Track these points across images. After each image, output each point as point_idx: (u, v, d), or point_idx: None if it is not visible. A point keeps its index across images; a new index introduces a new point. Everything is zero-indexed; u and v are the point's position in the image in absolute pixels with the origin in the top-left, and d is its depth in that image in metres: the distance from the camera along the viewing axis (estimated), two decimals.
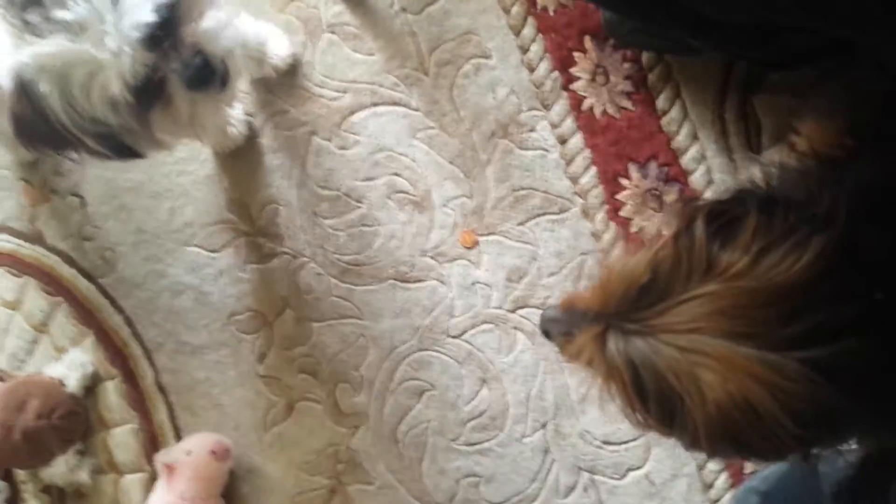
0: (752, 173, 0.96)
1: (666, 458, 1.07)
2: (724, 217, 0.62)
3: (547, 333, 0.73)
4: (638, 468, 1.08)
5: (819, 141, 0.84)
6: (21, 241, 1.31)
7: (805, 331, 0.55)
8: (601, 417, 1.08)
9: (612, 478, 1.09)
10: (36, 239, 1.31)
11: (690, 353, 0.57)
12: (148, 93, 0.79)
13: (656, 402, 0.60)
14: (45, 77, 0.74)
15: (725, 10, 0.70)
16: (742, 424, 0.56)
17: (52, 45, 0.73)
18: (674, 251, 0.60)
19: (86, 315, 1.29)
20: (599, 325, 0.63)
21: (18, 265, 1.31)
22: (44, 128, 0.78)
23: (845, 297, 0.57)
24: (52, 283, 1.29)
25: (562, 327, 0.69)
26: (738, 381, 0.55)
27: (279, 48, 1.15)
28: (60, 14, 0.72)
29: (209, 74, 0.83)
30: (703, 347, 0.57)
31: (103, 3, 0.72)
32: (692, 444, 0.60)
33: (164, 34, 0.77)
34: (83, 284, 1.29)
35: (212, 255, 1.23)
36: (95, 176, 1.28)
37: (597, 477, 1.09)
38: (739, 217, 0.61)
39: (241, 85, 1.15)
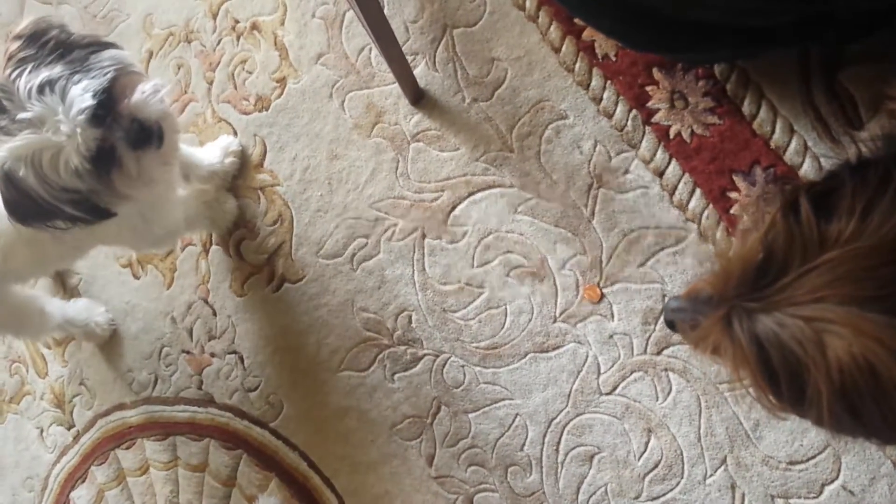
0: (858, 149, 0.93)
1: (858, 463, 0.98)
2: (823, 191, 0.61)
3: (671, 324, 0.73)
4: (832, 481, 1.00)
5: None
6: (196, 408, 1.43)
7: None
8: (780, 439, 1.02)
9: (809, 497, 1.01)
10: (208, 402, 1.42)
11: (815, 321, 0.56)
12: (103, 159, 0.97)
13: (785, 378, 0.59)
14: (21, 164, 0.93)
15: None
16: (864, 393, 0.55)
17: (22, 139, 0.92)
18: (784, 228, 0.60)
19: (266, 460, 1.37)
20: (723, 308, 0.63)
21: (197, 430, 1.42)
22: (29, 205, 0.96)
23: None
24: (230, 438, 1.39)
25: (686, 316, 0.69)
26: (863, 345, 0.54)
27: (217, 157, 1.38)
28: (22, 115, 0.91)
29: (146, 135, 1.01)
30: (828, 314, 0.56)
31: (54, 100, 0.92)
32: (818, 419, 0.59)
33: (104, 112, 0.95)
34: (256, 432, 1.37)
35: (361, 374, 1.29)
36: (246, 331, 1.39)
37: (792, 500, 1.02)
38: (837, 188, 0.61)
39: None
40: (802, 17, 0.78)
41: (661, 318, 1.10)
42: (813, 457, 1.01)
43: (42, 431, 1.62)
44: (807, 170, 1.03)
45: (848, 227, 0.57)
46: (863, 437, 0.61)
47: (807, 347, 0.56)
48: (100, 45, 1.01)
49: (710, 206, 1.08)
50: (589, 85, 1.15)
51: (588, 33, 1.15)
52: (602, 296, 1.13)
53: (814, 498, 1.01)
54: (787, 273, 0.59)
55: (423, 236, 1.25)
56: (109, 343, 1.53)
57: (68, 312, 1.45)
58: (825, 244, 0.58)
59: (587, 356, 1.14)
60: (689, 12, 0.77)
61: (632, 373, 1.12)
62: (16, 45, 0.96)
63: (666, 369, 1.10)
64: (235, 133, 1.42)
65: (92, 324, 1.48)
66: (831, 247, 0.58)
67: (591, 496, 1.14)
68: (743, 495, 1.05)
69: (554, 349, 1.16)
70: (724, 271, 0.64)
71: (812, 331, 0.56)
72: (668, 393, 1.09)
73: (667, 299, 0.92)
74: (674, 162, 1.10)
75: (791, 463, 1.02)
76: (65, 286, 1.59)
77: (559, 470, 1.16)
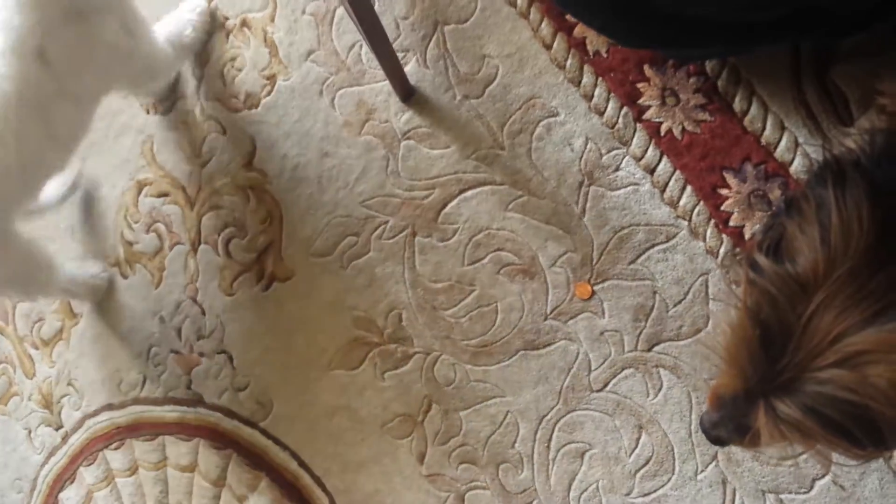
0: (848, 145, 0.93)
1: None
2: (772, 242, 0.61)
3: (720, 440, 0.71)
4: (823, 476, 1.01)
5: None
6: (185, 408, 1.42)
7: None
8: None
9: (800, 493, 1.02)
10: (197, 402, 1.41)
11: (847, 361, 0.56)
12: None
13: (856, 427, 0.57)
14: None
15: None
16: None
17: None
18: (761, 294, 0.59)
19: (255, 459, 1.36)
20: (758, 401, 0.61)
21: (186, 430, 1.41)
22: None
23: None
24: (219, 438, 1.38)
25: (729, 426, 0.67)
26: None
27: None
28: None
29: None
30: (853, 348, 0.55)
31: None
32: None
33: None
34: (246, 432, 1.36)
35: (352, 372, 1.29)
36: (235, 330, 1.38)
37: (783, 496, 1.02)
38: (783, 230, 0.61)
39: None
40: (795, 11, 0.78)
41: (651, 316, 1.10)
42: (803, 452, 1.01)
43: (30, 432, 1.60)
44: (797, 166, 1.03)
45: (817, 260, 0.57)
46: None
47: (856, 388, 0.55)
48: None
49: (701, 202, 1.08)
50: (580, 82, 1.15)
51: (579, 30, 1.15)
52: (593, 293, 1.13)
53: (804, 493, 1.02)
54: (792, 332, 0.58)
55: (414, 234, 1.25)
56: (97, 343, 1.51)
57: (68, 271, 1.42)
58: (807, 287, 0.57)
59: (578, 353, 1.14)
60: (683, 8, 0.77)
61: (622, 369, 1.11)
62: None
63: (657, 366, 1.10)
64: (224, 132, 1.41)
65: (90, 277, 1.47)
66: (815, 287, 0.57)
67: (582, 493, 1.13)
68: (734, 491, 1.05)
69: (545, 346, 1.16)
70: (734, 364, 0.63)
71: (850, 371, 0.55)
72: (659, 389, 1.09)
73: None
74: (665, 159, 1.10)
75: (781, 458, 1.03)
76: None
77: (550, 467, 1.16)
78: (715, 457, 1.06)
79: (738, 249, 1.01)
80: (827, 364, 0.56)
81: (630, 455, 1.11)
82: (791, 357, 0.58)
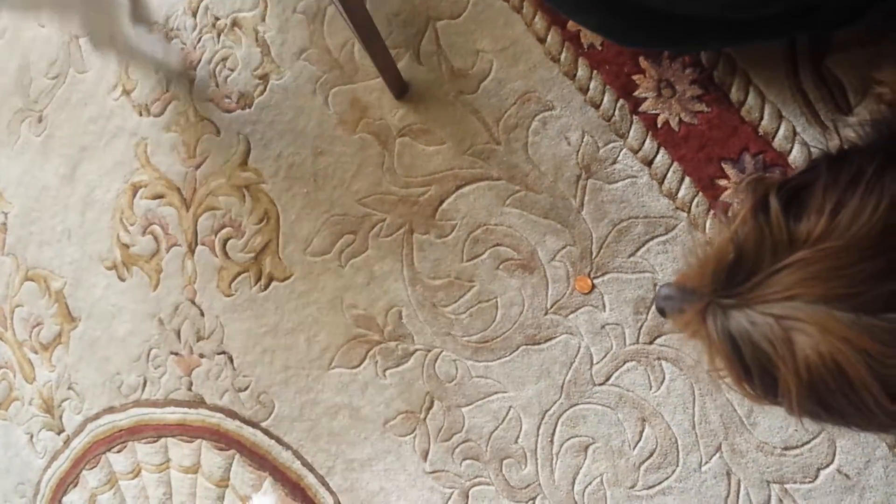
0: (847, 134, 0.93)
1: (853, 447, 0.99)
2: (795, 187, 0.62)
3: (661, 311, 0.75)
4: (828, 465, 1.01)
5: None
6: (186, 409, 1.41)
7: None
8: (774, 424, 1.03)
9: (804, 482, 1.02)
10: (198, 403, 1.41)
11: (785, 319, 0.58)
12: None
13: (756, 373, 0.61)
14: None
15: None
16: (832, 389, 0.57)
17: None
18: (753, 228, 0.61)
19: (258, 459, 1.36)
20: (700, 302, 0.64)
21: (188, 431, 1.41)
22: None
23: None
24: (221, 439, 1.38)
25: (675, 305, 0.70)
26: (830, 344, 0.55)
27: None
28: None
29: None
30: (797, 313, 0.57)
31: None
32: (790, 410, 0.60)
33: None
34: (248, 432, 1.36)
35: (353, 371, 1.28)
36: (234, 330, 1.38)
37: (788, 485, 1.02)
38: (809, 184, 0.61)
39: None
40: (788, 8, 0.78)
41: (653, 305, 1.10)
42: (807, 441, 1.01)
43: (32, 437, 1.60)
44: (796, 156, 1.02)
45: (817, 226, 0.58)
46: (839, 425, 0.62)
47: (776, 345, 0.58)
48: None
49: (700, 194, 1.08)
50: (575, 75, 1.14)
51: (573, 23, 1.14)
52: (593, 286, 1.13)
53: (809, 482, 1.02)
54: (758, 272, 0.60)
55: (412, 231, 1.24)
56: (97, 346, 1.51)
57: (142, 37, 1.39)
58: (795, 243, 0.59)
59: (579, 347, 1.14)
60: (673, 6, 0.77)
61: (624, 362, 1.11)
62: None
63: (658, 358, 1.09)
64: (218, 132, 1.40)
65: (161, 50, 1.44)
66: (801, 246, 0.58)
67: (586, 486, 1.13)
68: (738, 482, 1.05)
69: (546, 341, 1.16)
70: (702, 269, 0.65)
71: (781, 329, 0.58)
72: (662, 382, 1.09)
73: (658, 287, 0.92)
74: (662, 151, 1.10)
75: (786, 448, 1.03)
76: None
77: (554, 461, 1.16)
78: (719, 448, 1.06)
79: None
80: (767, 313, 0.58)
81: (634, 448, 1.11)
82: (745, 290, 0.60)
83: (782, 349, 0.57)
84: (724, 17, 0.78)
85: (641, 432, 1.11)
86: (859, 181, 0.57)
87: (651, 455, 1.10)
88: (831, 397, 0.58)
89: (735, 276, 0.61)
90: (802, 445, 1.02)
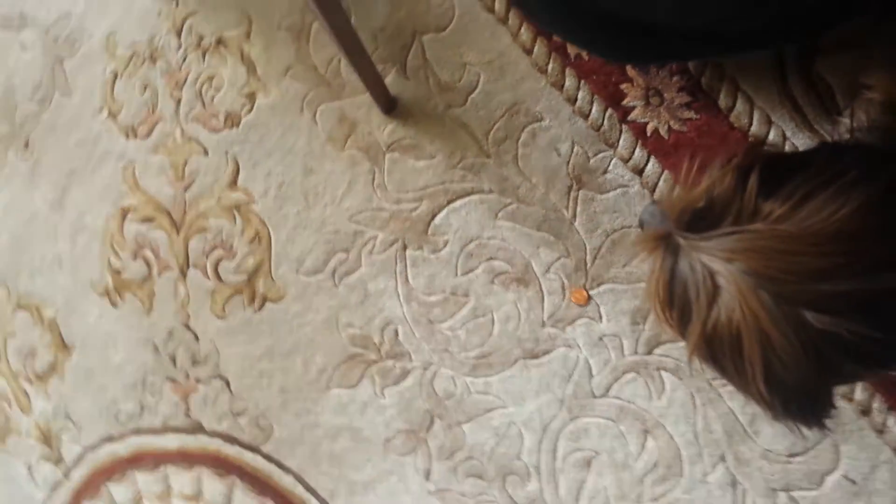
0: (839, 136, 0.92)
1: (858, 452, 0.98)
2: (782, 165, 0.65)
3: (640, 222, 0.80)
4: (833, 471, 1.00)
5: (893, 88, 0.81)
6: (185, 435, 1.40)
7: (833, 294, 0.57)
8: (778, 432, 1.02)
9: (811, 489, 1.01)
10: (196, 429, 1.39)
11: (718, 276, 0.62)
12: None
13: (678, 309, 0.67)
14: None
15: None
16: (724, 352, 0.63)
17: None
18: (728, 188, 0.65)
19: (260, 485, 1.35)
20: (664, 230, 0.69)
21: (188, 458, 1.39)
22: None
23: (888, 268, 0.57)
24: (222, 465, 1.37)
25: (653, 223, 0.75)
26: (741, 315, 0.60)
27: None
28: None
29: None
30: (730, 276, 0.61)
31: None
32: (687, 351, 0.68)
33: None
34: (248, 457, 1.35)
35: (351, 391, 1.27)
36: (230, 354, 1.37)
37: (794, 493, 1.02)
38: (798, 167, 0.64)
39: None
40: (772, 20, 0.77)
41: (650, 318, 1.09)
42: (812, 448, 1.01)
43: (31, 469, 1.59)
44: None
45: (780, 208, 0.61)
46: (722, 378, 0.68)
47: (700, 295, 0.64)
48: None
49: None
50: (563, 86, 1.13)
51: None
52: (589, 298, 1.12)
53: (815, 489, 1.01)
54: (717, 227, 0.64)
55: (405, 247, 1.23)
56: (92, 375, 1.50)
57: None
58: (756, 216, 0.62)
59: (578, 360, 1.13)
60: (664, 21, 0.76)
61: (624, 374, 1.10)
62: None
63: (658, 368, 1.09)
64: (206, 153, 1.39)
65: None
66: (760, 220, 0.62)
67: (592, 500, 1.13)
68: (744, 491, 1.04)
69: (544, 354, 1.15)
70: (674, 201, 0.69)
71: (711, 284, 0.63)
72: (662, 392, 1.08)
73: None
74: (652, 159, 1.09)
75: (791, 455, 1.02)
76: None
77: (558, 476, 1.15)
78: (723, 458, 1.05)
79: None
80: (706, 265, 0.63)
81: (637, 460, 1.10)
82: (698, 238, 0.65)
83: (703, 300, 0.63)
84: (711, 31, 0.77)
85: (644, 444, 1.10)
86: (836, 181, 0.59)
87: (655, 467, 1.09)
88: (722, 357, 0.64)
89: (696, 223, 0.65)
90: (807, 452, 1.01)
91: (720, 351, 0.64)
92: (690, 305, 0.65)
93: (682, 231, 0.66)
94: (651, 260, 0.71)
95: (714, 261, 0.63)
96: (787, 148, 1.02)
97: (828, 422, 0.67)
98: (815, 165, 0.62)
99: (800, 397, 0.64)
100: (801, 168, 0.63)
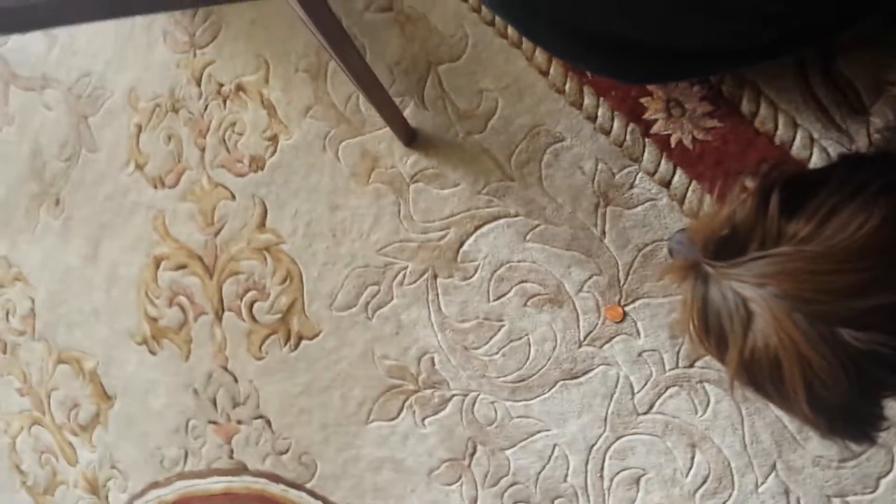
0: (868, 135, 0.91)
1: None
2: (802, 184, 0.64)
3: (669, 250, 0.82)
4: (887, 474, 0.98)
5: None
6: (230, 478, 1.41)
7: (866, 310, 0.57)
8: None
9: (865, 493, 0.99)
10: (241, 470, 1.40)
11: (751, 303, 0.62)
12: None
13: (714, 338, 0.67)
14: None
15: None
16: (765, 377, 0.63)
17: None
18: (751, 213, 0.64)
19: None
20: (693, 259, 0.69)
21: (234, 500, 1.40)
22: None
23: None
24: None
25: (682, 251, 0.76)
26: (778, 340, 0.60)
27: None
28: None
29: None
30: (762, 301, 0.61)
31: None
32: (727, 377, 0.68)
33: None
34: (294, 495, 1.35)
35: (391, 423, 1.27)
36: (269, 393, 1.37)
37: (849, 498, 0.99)
38: (818, 183, 0.64)
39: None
40: (785, 33, 0.77)
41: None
42: (863, 451, 0.99)
43: None
44: (816, 162, 1.01)
45: (805, 228, 0.60)
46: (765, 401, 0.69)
47: (734, 323, 0.63)
48: None
49: None
50: (582, 104, 1.14)
51: None
52: (625, 314, 1.11)
53: (871, 493, 0.99)
54: (743, 253, 0.64)
55: (435, 276, 1.23)
56: (135, 422, 1.51)
57: None
58: (782, 238, 0.62)
59: (618, 377, 1.12)
60: (678, 42, 0.76)
61: (666, 388, 1.09)
62: None
63: (701, 381, 1.07)
64: (233, 197, 1.41)
65: None
66: (786, 242, 0.61)
67: None
68: (798, 499, 1.02)
69: (583, 374, 1.14)
70: (698, 230, 0.70)
71: (745, 311, 0.62)
72: (707, 405, 1.07)
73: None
74: (679, 171, 1.08)
75: (842, 460, 1.00)
76: None
77: (607, 497, 1.13)
78: (774, 467, 1.03)
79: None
80: (738, 292, 0.63)
81: (687, 475, 1.08)
82: (727, 265, 0.64)
83: (738, 328, 0.63)
84: (726, 47, 0.77)
85: (693, 458, 1.08)
86: (859, 194, 0.59)
87: (705, 481, 1.07)
88: (763, 382, 0.64)
89: (723, 250, 0.65)
90: (859, 456, 0.99)
91: (760, 376, 0.63)
92: (726, 333, 0.65)
93: (709, 259, 0.66)
94: (683, 288, 0.71)
95: (744, 287, 0.62)
96: (816, 150, 1.01)
97: (877, 435, 0.66)
98: (835, 180, 0.62)
99: (845, 415, 0.63)
100: (821, 185, 0.63)
